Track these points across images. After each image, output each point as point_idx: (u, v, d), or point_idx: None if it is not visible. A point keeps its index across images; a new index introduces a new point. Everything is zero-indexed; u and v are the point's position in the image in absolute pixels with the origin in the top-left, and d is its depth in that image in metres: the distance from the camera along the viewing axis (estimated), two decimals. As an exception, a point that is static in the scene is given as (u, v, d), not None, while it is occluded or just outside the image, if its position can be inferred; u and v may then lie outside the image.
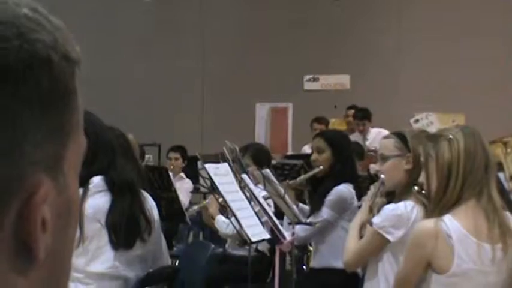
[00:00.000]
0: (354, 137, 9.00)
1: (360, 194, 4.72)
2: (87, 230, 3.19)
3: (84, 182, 3.23)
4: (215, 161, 4.07)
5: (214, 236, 5.80)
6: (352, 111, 9.68)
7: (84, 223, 3.17)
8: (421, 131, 3.84)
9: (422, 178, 3.03)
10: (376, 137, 8.97)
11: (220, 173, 3.86)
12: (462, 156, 2.87)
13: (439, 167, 2.89)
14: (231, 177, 3.98)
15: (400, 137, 3.65)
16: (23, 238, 0.61)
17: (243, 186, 4.16)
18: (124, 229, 3.27)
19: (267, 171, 4.54)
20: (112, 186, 3.28)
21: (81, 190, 3.23)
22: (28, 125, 0.61)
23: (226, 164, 4.01)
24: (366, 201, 3.76)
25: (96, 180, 3.26)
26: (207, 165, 3.83)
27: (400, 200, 3.52)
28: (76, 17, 12.05)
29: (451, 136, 2.90)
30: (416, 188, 3.22)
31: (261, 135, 11.54)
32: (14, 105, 0.60)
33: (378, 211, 3.63)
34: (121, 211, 3.26)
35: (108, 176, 3.28)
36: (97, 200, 3.24)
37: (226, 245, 5.74)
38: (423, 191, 3.06)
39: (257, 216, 4.01)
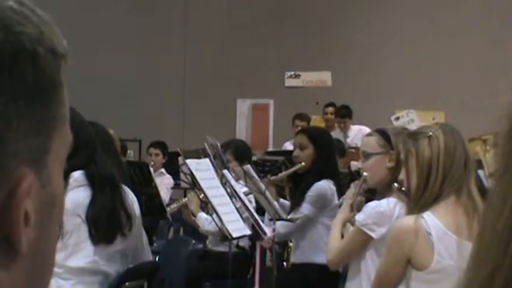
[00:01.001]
0: (335, 134, 9.01)
1: (341, 190, 4.74)
2: (67, 224, 3.18)
3: (64, 177, 3.21)
4: (196, 157, 4.07)
5: (195, 232, 5.80)
6: (330, 109, 9.71)
7: (63, 218, 3.15)
8: (403, 129, 3.85)
9: (402, 175, 3.04)
10: (357, 134, 9.01)
11: (202, 169, 3.86)
12: (442, 153, 2.88)
13: (419, 164, 2.90)
14: (212, 172, 3.98)
15: (383, 134, 3.66)
16: (5, 232, 0.61)
17: (224, 182, 4.16)
18: (104, 224, 3.26)
19: (248, 167, 4.55)
20: (92, 181, 3.27)
21: (61, 185, 3.20)
22: (12, 118, 0.61)
23: (207, 160, 4.01)
24: (347, 199, 3.76)
25: (77, 175, 3.25)
26: (188, 161, 3.83)
27: (382, 197, 3.52)
28: (58, 11, 11.98)
29: (431, 133, 2.91)
30: (396, 185, 3.23)
31: (242, 131, 11.54)
32: None
33: (358, 209, 3.64)
34: (101, 206, 3.25)
35: (88, 170, 3.27)
36: (77, 194, 3.23)
37: (207, 241, 5.74)
38: (403, 188, 3.07)
39: (238, 212, 4.01)
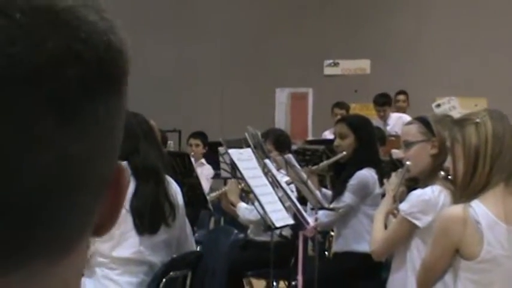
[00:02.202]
0: (375, 122, 8.93)
1: (383, 179, 4.69)
2: (112, 215, 3.18)
3: (108, 168, 3.22)
4: (238, 147, 4.05)
5: (235, 222, 5.79)
6: (402, 96, 9.61)
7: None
8: (445, 116, 3.79)
9: (448, 163, 2.99)
10: (397, 122, 8.92)
11: (244, 158, 3.84)
12: (490, 140, 2.82)
13: (466, 152, 2.85)
14: (254, 162, 3.97)
15: (423, 122, 3.60)
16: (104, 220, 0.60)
17: (266, 172, 4.14)
18: (148, 214, 3.27)
19: (290, 156, 4.52)
20: (136, 171, 3.27)
21: (105, 175, 3.21)
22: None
23: (249, 149, 3.99)
24: (390, 190, 3.71)
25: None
26: (230, 151, 3.81)
27: (425, 186, 3.47)
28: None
29: (478, 120, 2.85)
30: (442, 173, 3.17)
31: (281, 120, 11.51)
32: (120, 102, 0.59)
33: (400, 199, 3.59)
34: (145, 196, 3.26)
35: (132, 161, 3.27)
36: (121, 185, 3.23)
37: (248, 231, 5.73)
38: (449, 176, 3.02)
39: (281, 201, 3.99)
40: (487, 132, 2.83)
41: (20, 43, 0.50)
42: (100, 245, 3.20)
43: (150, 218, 3.27)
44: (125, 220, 3.23)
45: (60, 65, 0.51)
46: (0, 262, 0.51)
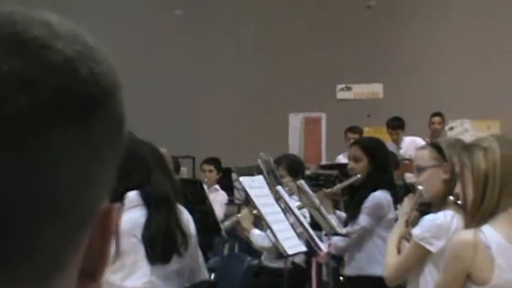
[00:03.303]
0: (388, 146, 8.93)
1: (397, 202, 4.69)
2: (124, 245, 3.19)
3: (119, 197, 3.25)
4: (249, 174, 4.07)
5: (249, 248, 5.79)
6: (437, 118, 9.52)
7: (120, 238, 3.18)
8: (456, 140, 3.80)
9: (457, 189, 3.00)
10: (410, 145, 8.91)
11: (255, 186, 3.85)
12: (498, 164, 2.83)
13: (474, 177, 2.85)
14: (266, 189, 3.98)
15: (435, 147, 3.62)
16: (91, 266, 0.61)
17: (278, 198, 4.15)
18: (160, 243, 3.27)
19: (302, 182, 4.53)
20: (148, 201, 3.29)
21: (116, 205, 3.23)
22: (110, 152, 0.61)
23: (261, 177, 4.01)
24: (402, 215, 3.71)
25: (132, 195, 3.27)
26: (241, 179, 3.83)
27: (438, 210, 3.47)
28: (106, 31, 12.18)
29: (486, 145, 2.87)
30: (451, 198, 3.18)
31: (295, 145, 11.52)
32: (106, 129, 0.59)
33: (413, 224, 3.59)
34: (157, 225, 3.27)
35: (143, 190, 3.29)
36: (133, 214, 3.25)
37: (262, 258, 5.72)
38: (459, 202, 3.02)
39: (293, 228, 4.00)
40: (495, 157, 2.84)
41: None
42: (111, 276, 3.21)
43: (162, 247, 3.27)
44: (136, 250, 3.24)
45: (11, 90, 0.51)
46: None
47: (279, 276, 4.61)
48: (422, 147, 3.79)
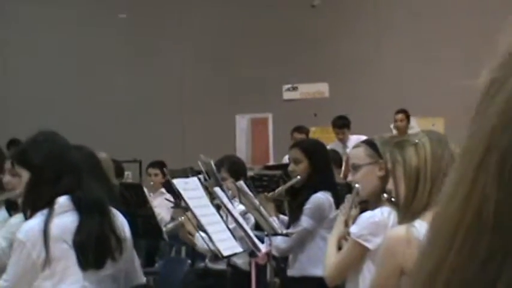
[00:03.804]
0: (334, 145, 8.98)
1: (339, 202, 4.69)
2: (54, 251, 3.13)
3: (49, 202, 3.18)
4: (184, 176, 4.03)
5: (196, 251, 5.76)
6: (400, 116, 9.49)
7: (50, 244, 3.11)
8: (391, 137, 3.82)
9: (390, 185, 3.00)
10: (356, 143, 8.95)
11: (190, 188, 3.81)
12: (429, 160, 2.84)
13: (406, 173, 2.86)
14: (201, 191, 3.94)
15: (370, 144, 3.64)
16: None
17: (215, 203, 4.12)
18: (93, 249, 3.21)
19: (241, 183, 4.51)
20: (79, 206, 3.23)
21: (46, 211, 3.18)
22: None
23: (195, 178, 3.97)
24: (341, 215, 3.72)
25: (62, 200, 3.21)
26: (175, 180, 3.79)
27: (375, 208, 3.48)
28: (55, 36, 12.02)
29: (417, 141, 2.87)
30: (385, 195, 3.18)
31: (242, 146, 11.50)
32: None
33: (353, 223, 3.59)
34: (89, 230, 3.21)
35: (74, 195, 3.23)
36: (63, 219, 3.19)
37: (207, 260, 5.68)
38: (392, 198, 3.03)
39: (229, 230, 3.97)
40: (426, 153, 2.85)
41: None
42: (42, 283, 3.14)
43: (94, 253, 3.22)
44: (67, 255, 3.18)
45: None
46: None
47: (224, 278, 4.57)
48: (357, 145, 3.80)
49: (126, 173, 8.08)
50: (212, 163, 4.76)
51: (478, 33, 10.37)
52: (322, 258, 4.57)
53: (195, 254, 6.09)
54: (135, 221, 4.11)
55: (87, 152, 3.72)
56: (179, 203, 4.24)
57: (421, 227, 2.79)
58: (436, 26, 10.62)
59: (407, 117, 9.51)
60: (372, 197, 3.60)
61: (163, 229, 5.04)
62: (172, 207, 8.03)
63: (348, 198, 3.76)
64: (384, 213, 3.38)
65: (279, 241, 4.61)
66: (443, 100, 10.34)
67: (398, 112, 9.57)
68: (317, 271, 4.64)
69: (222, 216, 4.00)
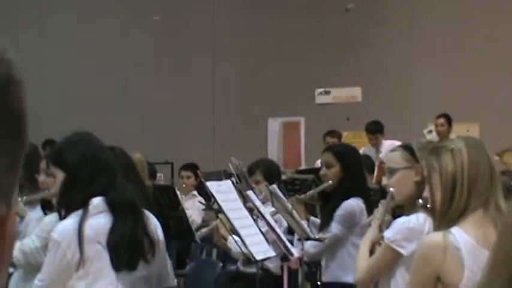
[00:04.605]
0: (367, 150, 8.93)
1: (371, 208, 4.65)
2: (88, 252, 3.14)
3: (83, 203, 3.20)
4: (218, 179, 4.02)
5: (227, 254, 5.76)
6: (441, 120, 9.35)
7: (84, 245, 3.13)
8: (428, 142, 3.78)
9: (426, 192, 2.96)
10: (389, 148, 8.87)
11: (223, 191, 3.80)
12: (466, 166, 2.80)
13: (443, 179, 2.82)
14: (234, 194, 3.93)
15: (407, 148, 3.60)
16: None
17: (249, 205, 4.11)
18: (126, 250, 3.22)
19: (274, 187, 4.49)
20: (113, 207, 3.23)
21: (80, 211, 3.19)
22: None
23: (229, 181, 3.96)
24: (375, 219, 3.67)
25: (96, 201, 3.22)
26: (208, 183, 3.78)
27: (410, 213, 3.44)
28: (88, 37, 12.12)
29: (453, 147, 2.83)
30: (420, 201, 3.14)
31: (274, 150, 11.48)
32: None
33: (386, 228, 3.55)
34: (122, 232, 3.21)
35: (108, 196, 3.23)
36: (97, 220, 3.20)
37: (238, 263, 5.68)
38: (428, 206, 2.99)
39: (262, 233, 3.95)
40: (462, 159, 2.81)
41: None
42: (76, 283, 3.15)
43: (127, 254, 3.22)
44: (101, 256, 3.18)
45: None
46: None
47: (255, 282, 4.56)
48: (393, 149, 3.76)
49: (158, 174, 8.09)
50: (242, 166, 4.75)
51: (513, 38, 10.27)
52: (353, 265, 4.56)
53: (226, 256, 6.09)
54: (167, 222, 4.12)
55: (121, 153, 3.73)
56: (211, 205, 4.22)
57: (458, 234, 2.75)
58: (471, 31, 10.51)
59: (449, 121, 9.36)
60: (406, 201, 3.55)
61: (197, 233, 5.05)
62: (203, 210, 8.07)
63: (383, 203, 3.72)
64: (419, 219, 3.34)
65: (308, 245, 4.58)
66: (478, 106, 10.24)
67: (439, 117, 9.44)
68: (347, 278, 4.61)
69: (255, 220, 3.98)
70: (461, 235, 2.76)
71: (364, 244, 3.65)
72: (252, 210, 4.27)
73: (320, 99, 11.40)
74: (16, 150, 0.59)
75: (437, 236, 2.79)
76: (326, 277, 4.84)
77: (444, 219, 2.82)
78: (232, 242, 5.00)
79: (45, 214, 4.26)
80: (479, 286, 0.55)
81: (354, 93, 11.21)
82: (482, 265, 2.72)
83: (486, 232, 2.77)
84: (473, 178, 2.79)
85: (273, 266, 5.35)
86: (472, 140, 2.91)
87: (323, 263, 4.96)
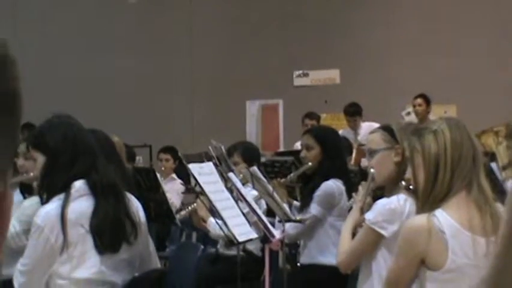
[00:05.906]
0: (346, 132, 8.95)
1: (351, 189, 4.67)
2: (71, 235, 3.12)
3: (65, 187, 3.17)
4: (199, 161, 4.01)
5: (207, 236, 5.75)
6: (419, 100, 9.31)
7: (67, 229, 3.11)
8: (408, 124, 3.79)
9: (408, 174, 2.96)
10: (367, 131, 8.88)
11: (205, 173, 3.79)
12: (449, 147, 2.80)
13: (425, 161, 2.82)
14: (215, 176, 3.92)
15: (387, 129, 3.59)
16: None
17: (229, 187, 4.10)
18: (109, 233, 3.20)
19: (254, 168, 4.49)
20: (95, 190, 3.21)
21: (62, 195, 3.17)
22: None
23: (210, 163, 3.95)
24: (357, 202, 3.68)
25: (78, 184, 3.20)
26: (190, 165, 3.77)
27: (391, 195, 3.44)
28: (65, 18, 12.00)
29: (436, 128, 2.83)
30: (403, 183, 3.14)
31: (252, 132, 11.47)
32: None
33: (368, 210, 3.56)
34: (105, 214, 3.20)
35: (90, 179, 3.21)
36: (80, 204, 3.18)
37: (218, 245, 5.68)
38: (410, 187, 2.99)
39: (244, 215, 3.95)
40: (445, 140, 2.81)
41: None
42: (59, 267, 3.14)
43: (110, 236, 3.21)
44: (84, 240, 3.17)
45: None
46: None
47: (235, 264, 4.57)
48: (373, 131, 3.76)
49: (137, 157, 8.06)
50: (223, 148, 4.74)
51: (491, 21, 10.32)
52: (331, 247, 4.58)
53: (206, 239, 6.09)
54: (147, 205, 4.10)
55: (102, 136, 3.71)
56: (192, 188, 4.21)
57: (442, 216, 2.76)
58: (448, 13, 10.54)
59: (427, 101, 9.37)
60: (387, 182, 3.56)
61: (177, 216, 5.03)
62: (183, 193, 8.05)
63: (363, 184, 3.72)
64: (400, 201, 3.34)
65: (288, 227, 4.59)
66: (455, 87, 10.29)
67: (417, 97, 9.44)
68: (326, 259, 4.64)
69: (237, 202, 3.98)
70: (445, 218, 2.76)
71: (346, 226, 3.66)
72: (232, 192, 4.26)
73: (298, 81, 11.39)
74: (14, 127, 0.58)
75: (422, 219, 2.79)
76: (304, 258, 4.87)
77: (427, 200, 2.83)
78: (212, 224, 5.00)
79: (25, 198, 4.22)
80: (492, 269, 0.54)
81: (332, 75, 11.21)
82: (465, 247, 2.75)
83: (469, 214, 2.78)
84: (456, 159, 2.79)
85: (253, 247, 5.36)
86: (454, 121, 2.90)
87: (301, 244, 4.99)
